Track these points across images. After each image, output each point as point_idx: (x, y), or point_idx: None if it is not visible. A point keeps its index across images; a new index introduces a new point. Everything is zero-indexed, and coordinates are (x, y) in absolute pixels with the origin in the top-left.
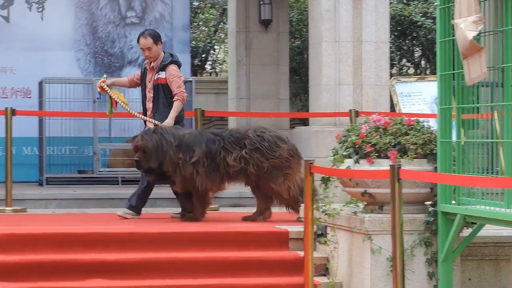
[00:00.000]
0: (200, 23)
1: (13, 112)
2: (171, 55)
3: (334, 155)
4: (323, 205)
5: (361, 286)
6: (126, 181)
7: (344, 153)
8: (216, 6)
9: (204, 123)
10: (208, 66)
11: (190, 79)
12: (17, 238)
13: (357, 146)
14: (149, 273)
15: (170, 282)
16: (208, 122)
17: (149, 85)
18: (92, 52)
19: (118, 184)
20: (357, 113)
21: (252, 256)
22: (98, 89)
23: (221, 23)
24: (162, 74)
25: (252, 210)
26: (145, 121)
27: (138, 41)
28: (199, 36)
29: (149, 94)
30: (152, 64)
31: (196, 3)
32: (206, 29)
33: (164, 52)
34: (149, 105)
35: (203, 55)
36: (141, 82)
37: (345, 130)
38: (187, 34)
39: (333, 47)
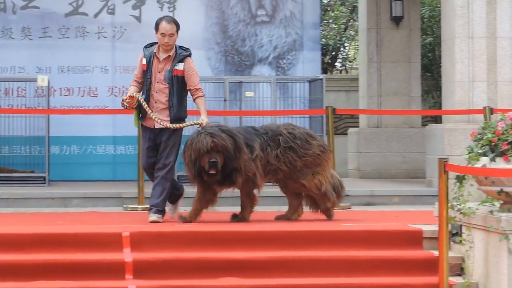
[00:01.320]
0: (330, 21)
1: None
2: (181, 47)
3: (469, 153)
4: (458, 204)
5: (498, 287)
6: None
7: (480, 151)
8: (346, 4)
9: (335, 121)
10: (338, 64)
11: (321, 77)
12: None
13: (493, 144)
14: (278, 272)
15: (300, 281)
16: (338, 120)
17: (160, 76)
18: (222, 50)
19: None
20: (492, 110)
21: (384, 255)
22: (130, 105)
23: (351, 21)
24: (180, 66)
25: (386, 208)
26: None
27: (157, 26)
28: (329, 33)
29: (159, 85)
30: (168, 53)
31: (326, 1)
32: (336, 26)
33: None
34: (159, 97)
35: (333, 53)
36: (146, 72)
37: (480, 128)
38: (317, 32)
39: (467, 43)
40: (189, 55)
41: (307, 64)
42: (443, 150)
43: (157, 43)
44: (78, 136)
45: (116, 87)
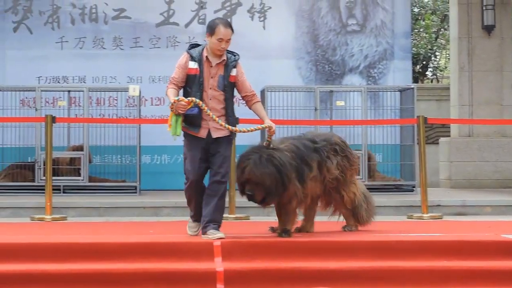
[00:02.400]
0: (421, 30)
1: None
2: (228, 51)
3: None
4: None
5: None
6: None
7: None
8: (437, 12)
9: (426, 130)
10: (429, 73)
11: (412, 86)
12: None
13: None
14: (369, 282)
15: None
16: (429, 129)
17: (213, 82)
18: (313, 60)
19: None
20: None
21: (476, 265)
22: (188, 106)
23: (442, 29)
24: (234, 72)
25: (478, 218)
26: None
27: (213, 29)
28: (420, 42)
29: (213, 92)
30: (220, 58)
31: (416, 10)
32: (427, 35)
33: None
34: (214, 104)
35: (424, 62)
36: (198, 76)
37: None
38: (408, 41)
39: None
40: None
41: (398, 73)
42: None
43: (199, 45)
44: (169, 146)
45: None
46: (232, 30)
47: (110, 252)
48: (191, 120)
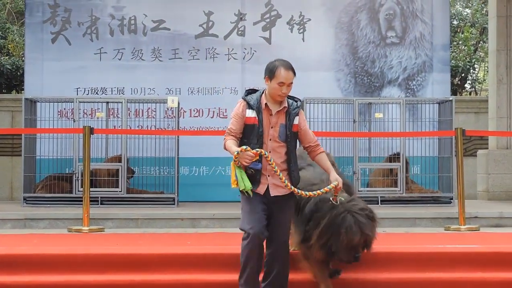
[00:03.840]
0: (460, 42)
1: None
2: (289, 97)
3: None
4: None
5: None
6: (385, 201)
7: None
8: (476, 25)
9: (464, 143)
10: (467, 85)
11: (450, 99)
12: None
13: None
14: None
15: None
16: (467, 142)
17: (274, 133)
18: (352, 72)
19: (378, 204)
20: None
21: None
22: (255, 158)
23: (481, 42)
24: (297, 120)
25: None
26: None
27: (273, 72)
28: (458, 55)
29: (273, 144)
30: (281, 105)
31: (455, 22)
32: (466, 48)
33: None
34: (274, 157)
35: (463, 74)
36: (254, 127)
37: None
38: (447, 53)
39: None
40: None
41: (437, 85)
42: None
43: (256, 90)
44: (207, 157)
45: None
46: (294, 73)
47: (148, 263)
48: (251, 176)
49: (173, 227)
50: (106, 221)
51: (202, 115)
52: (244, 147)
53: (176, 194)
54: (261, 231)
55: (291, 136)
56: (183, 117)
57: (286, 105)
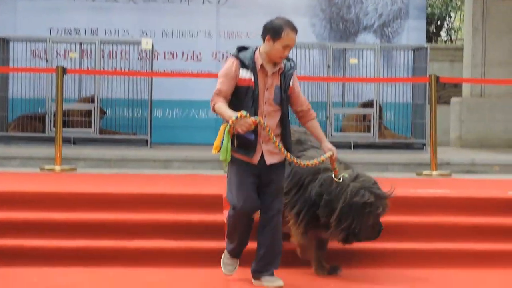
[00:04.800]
0: None
1: None
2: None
3: None
4: None
5: None
6: (358, 146)
7: None
8: None
9: (438, 90)
10: (443, 33)
11: (425, 46)
12: None
13: None
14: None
15: (399, 246)
16: (441, 90)
17: (269, 95)
18: (327, 17)
19: (350, 149)
20: None
21: (483, 222)
22: (252, 126)
23: None
24: (291, 82)
25: (486, 176)
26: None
27: (279, 33)
28: (434, 2)
29: (268, 108)
30: (277, 66)
31: None
32: None
33: None
34: (269, 122)
35: (439, 22)
36: (249, 89)
37: None
38: (423, 0)
39: None
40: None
41: (412, 32)
42: None
43: (246, 48)
44: (180, 100)
45: (220, 52)
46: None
47: (119, 202)
48: (244, 143)
49: (146, 168)
50: (79, 161)
51: (176, 58)
52: (244, 113)
53: (149, 136)
54: (252, 207)
55: (285, 99)
56: (157, 60)
57: (282, 66)
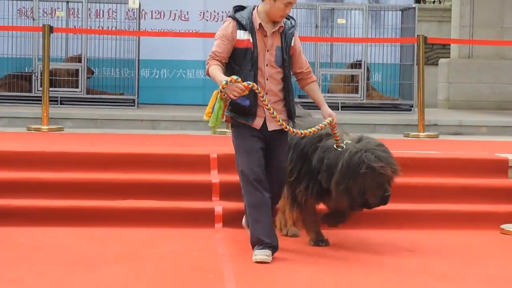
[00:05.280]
0: None
1: None
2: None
3: None
4: None
5: None
6: (345, 107)
7: None
8: None
9: (426, 51)
10: None
11: (413, 6)
12: None
13: None
14: None
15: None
16: (429, 50)
17: (270, 57)
18: None
19: (338, 110)
20: None
21: (469, 183)
22: (245, 92)
23: None
24: (292, 41)
25: (474, 138)
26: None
27: None
28: None
29: (270, 70)
30: (278, 25)
31: None
32: None
33: None
34: (271, 85)
35: None
36: (248, 51)
37: None
38: None
39: None
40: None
41: None
42: None
43: (244, 7)
44: (168, 60)
45: (207, 11)
46: None
47: (106, 162)
48: (242, 108)
49: (133, 128)
50: (66, 121)
51: (164, 17)
52: (234, 77)
53: (136, 96)
54: (261, 174)
55: (287, 60)
56: (144, 19)
57: (283, 25)
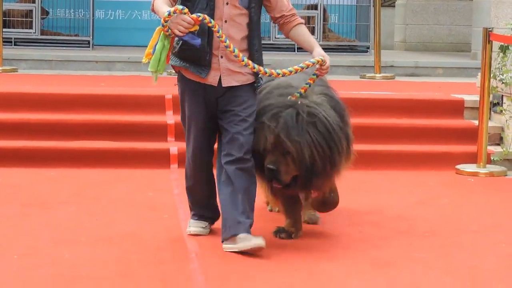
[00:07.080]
0: None
1: None
2: None
3: None
4: (500, 74)
5: None
6: (301, 49)
7: None
8: None
9: None
10: None
11: None
12: None
13: None
14: None
15: None
16: None
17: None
18: None
19: (294, 51)
20: None
21: (425, 123)
22: (194, 27)
23: None
24: None
25: (430, 79)
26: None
27: None
28: None
29: (231, 11)
30: None
31: None
32: None
33: None
34: (231, 31)
35: None
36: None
37: None
38: None
39: None
40: None
41: None
42: (490, 23)
43: None
44: (123, 1)
45: None
46: None
47: (61, 103)
48: (193, 55)
49: (88, 69)
50: (20, 62)
51: None
52: (179, 7)
53: (91, 37)
54: (202, 146)
55: (255, 2)
56: None
57: None
